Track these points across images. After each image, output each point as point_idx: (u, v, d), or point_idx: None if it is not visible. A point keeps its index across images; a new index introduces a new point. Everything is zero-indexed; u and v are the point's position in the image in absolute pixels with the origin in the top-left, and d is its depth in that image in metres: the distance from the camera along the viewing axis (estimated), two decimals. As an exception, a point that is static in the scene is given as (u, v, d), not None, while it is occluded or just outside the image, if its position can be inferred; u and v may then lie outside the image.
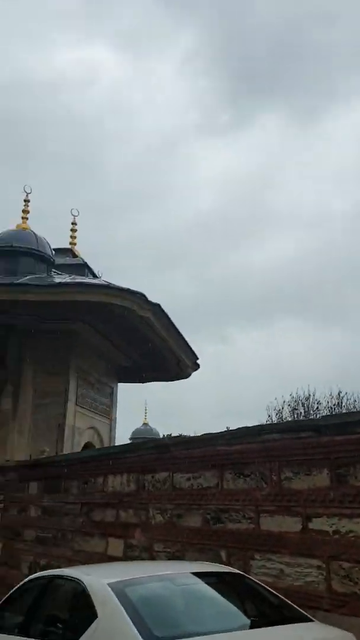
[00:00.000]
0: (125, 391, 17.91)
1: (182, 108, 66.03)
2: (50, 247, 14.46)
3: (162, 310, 12.98)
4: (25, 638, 4.32)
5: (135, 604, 3.62)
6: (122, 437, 21.13)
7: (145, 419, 32.56)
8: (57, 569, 5.28)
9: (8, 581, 10.25)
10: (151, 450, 7.20)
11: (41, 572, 5.23)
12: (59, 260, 15.24)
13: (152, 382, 19.66)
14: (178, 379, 18.49)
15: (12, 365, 13.57)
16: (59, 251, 15.63)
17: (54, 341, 13.75)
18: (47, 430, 13.40)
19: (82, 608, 3.86)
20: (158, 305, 12.66)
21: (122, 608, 3.56)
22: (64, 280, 12.57)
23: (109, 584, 3.83)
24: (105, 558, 7.57)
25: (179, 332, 14.54)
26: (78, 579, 4.18)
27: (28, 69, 61.79)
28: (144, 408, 32.35)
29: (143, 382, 19.44)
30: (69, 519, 8.73)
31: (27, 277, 12.92)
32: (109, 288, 12.05)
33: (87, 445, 14.66)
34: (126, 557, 7.15)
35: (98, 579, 4.05)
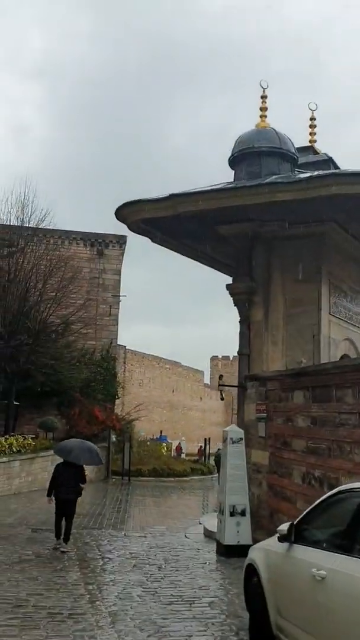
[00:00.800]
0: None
1: None
2: (293, 143, 13.24)
3: None
4: (343, 554, 3.70)
5: None
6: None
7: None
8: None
9: (278, 489, 10.17)
10: None
11: (348, 485, 4.51)
12: (300, 159, 13.97)
13: None
14: None
15: (260, 275, 13.07)
16: (299, 150, 14.31)
17: (303, 247, 12.78)
18: (301, 341, 12.75)
19: None
20: None
21: None
22: (315, 174, 11.35)
23: None
24: None
25: None
26: None
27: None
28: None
29: None
30: (346, 430, 7.98)
31: (272, 177, 12.00)
32: (368, 176, 10.46)
33: (343, 358, 13.68)
34: None
35: None
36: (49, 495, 9.62)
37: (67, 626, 5.60)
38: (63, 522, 9.62)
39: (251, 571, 5.18)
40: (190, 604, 6.54)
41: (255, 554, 5.23)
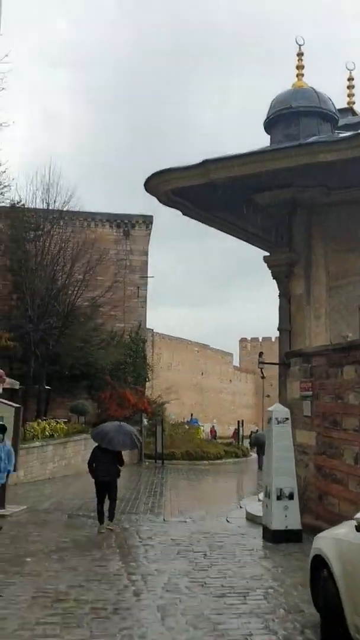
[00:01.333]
0: None
1: None
2: (333, 103, 12.35)
3: None
4: None
5: None
6: None
7: None
8: None
9: (327, 470, 9.52)
10: None
11: None
12: (339, 122, 13.05)
13: None
14: None
15: (300, 246, 12.32)
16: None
17: (344, 214, 11.98)
18: (345, 314, 12.00)
19: None
20: None
21: None
22: (360, 131, 10.51)
23: None
24: None
25: None
26: None
27: None
28: None
29: None
30: None
31: (313, 138, 11.18)
32: None
33: (389, 331, 12.87)
34: None
35: None
36: (92, 476, 9.77)
37: (113, 623, 5.09)
38: (105, 506, 9.67)
39: (319, 563, 4.57)
40: (244, 596, 5.98)
41: (324, 544, 4.61)
